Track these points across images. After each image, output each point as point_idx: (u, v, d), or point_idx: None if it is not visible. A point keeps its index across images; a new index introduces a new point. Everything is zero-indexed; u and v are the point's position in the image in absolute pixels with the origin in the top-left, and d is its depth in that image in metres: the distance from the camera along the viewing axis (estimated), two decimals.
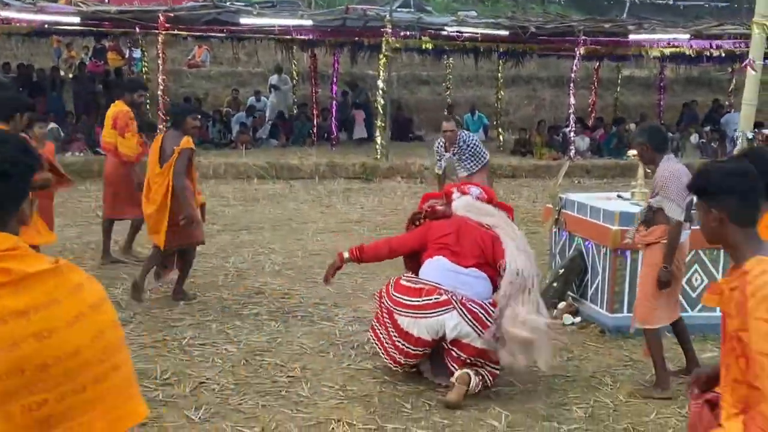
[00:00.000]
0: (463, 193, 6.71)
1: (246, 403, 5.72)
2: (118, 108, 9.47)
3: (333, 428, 5.25)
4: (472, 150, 10.29)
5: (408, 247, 6.49)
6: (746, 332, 2.92)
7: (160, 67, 18.41)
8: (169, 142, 7.98)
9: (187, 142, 7.89)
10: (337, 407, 5.69)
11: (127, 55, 24.35)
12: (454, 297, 5.81)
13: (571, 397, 5.99)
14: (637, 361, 6.70)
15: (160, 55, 18.43)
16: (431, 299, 5.84)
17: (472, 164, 10.27)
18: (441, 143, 10.44)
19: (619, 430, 5.44)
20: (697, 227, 3.44)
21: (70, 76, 22.74)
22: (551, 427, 5.47)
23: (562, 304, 7.83)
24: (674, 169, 5.91)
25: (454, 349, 5.85)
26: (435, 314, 5.81)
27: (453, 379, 5.81)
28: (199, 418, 5.47)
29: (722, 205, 3.13)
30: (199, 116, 8.66)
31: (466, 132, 10.78)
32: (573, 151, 19.46)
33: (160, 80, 18.21)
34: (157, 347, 6.83)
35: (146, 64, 22.12)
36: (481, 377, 5.84)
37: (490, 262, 6.09)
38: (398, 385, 6.16)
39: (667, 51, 19.47)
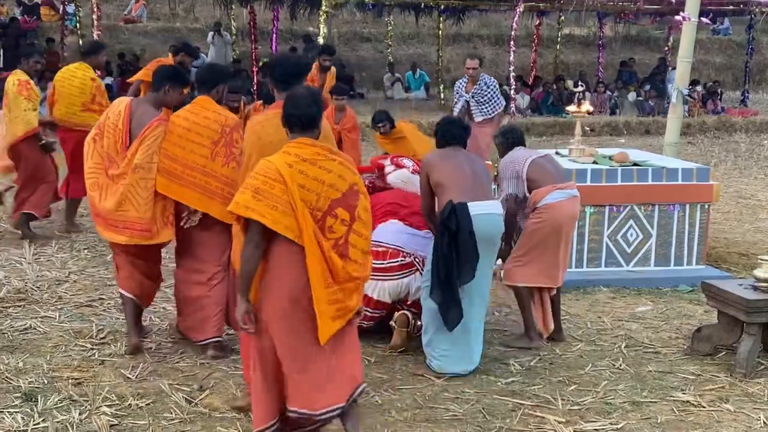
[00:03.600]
0: (398, 166, 6.77)
1: (183, 362, 5.69)
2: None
3: None
4: (492, 94, 10.02)
5: None
6: None
7: (95, 22, 17.95)
8: None
9: None
10: None
11: (60, 10, 23.68)
12: (416, 259, 5.90)
13: (510, 352, 6.05)
14: (574, 315, 6.81)
15: (95, 9, 17.96)
16: (396, 262, 5.92)
17: (488, 109, 10.04)
18: (463, 83, 10.22)
19: (555, 383, 5.52)
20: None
21: (0, 31, 22.07)
22: (489, 381, 5.53)
23: (499, 261, 7.87)
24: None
25: (412, 309, 5.94)
26: (399, 276, 5.90)
27: (392, 323, 5.91)
28: (136, 377, 5.43)
29: None
30: None
31: (488, 76, 10.40)
32: (513, 109, 19.53)
33: (95, 36, 17.75)
34: (93, 306, 6.76)
35: (80, 19, 21.55)
36: (422, 322, 5.89)
37: None
38: None
39: None
